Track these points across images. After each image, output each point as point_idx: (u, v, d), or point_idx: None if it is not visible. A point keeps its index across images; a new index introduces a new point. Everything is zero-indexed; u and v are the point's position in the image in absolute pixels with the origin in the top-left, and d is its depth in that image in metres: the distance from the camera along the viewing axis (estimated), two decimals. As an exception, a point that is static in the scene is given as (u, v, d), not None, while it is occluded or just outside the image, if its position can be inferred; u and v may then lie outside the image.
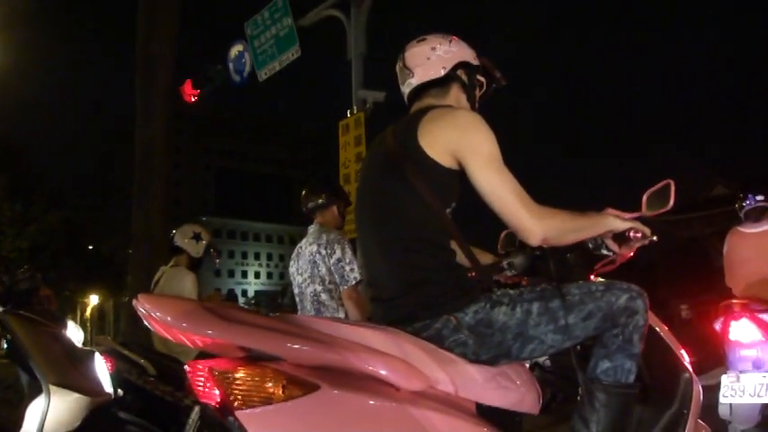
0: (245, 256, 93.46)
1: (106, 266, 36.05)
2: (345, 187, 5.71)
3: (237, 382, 1.52)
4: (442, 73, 2.23)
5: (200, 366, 1.61)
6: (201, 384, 1.62)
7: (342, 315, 3.87)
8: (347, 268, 3.88)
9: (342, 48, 8.02)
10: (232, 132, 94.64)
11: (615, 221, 2.11)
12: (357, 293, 3.89)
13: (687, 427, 2.20)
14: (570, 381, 2.41)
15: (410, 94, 2.29)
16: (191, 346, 1.64)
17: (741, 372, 3.92)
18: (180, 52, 9.50)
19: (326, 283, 3.95)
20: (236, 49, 9.52)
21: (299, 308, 4.15)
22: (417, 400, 1.66)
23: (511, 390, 1.94)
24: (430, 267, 1.98)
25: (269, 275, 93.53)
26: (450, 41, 2.26)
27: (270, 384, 1.51)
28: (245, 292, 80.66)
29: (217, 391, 1.55)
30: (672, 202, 2.26)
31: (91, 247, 36.45)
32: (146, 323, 1.60)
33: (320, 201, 4.20)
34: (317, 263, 3.95)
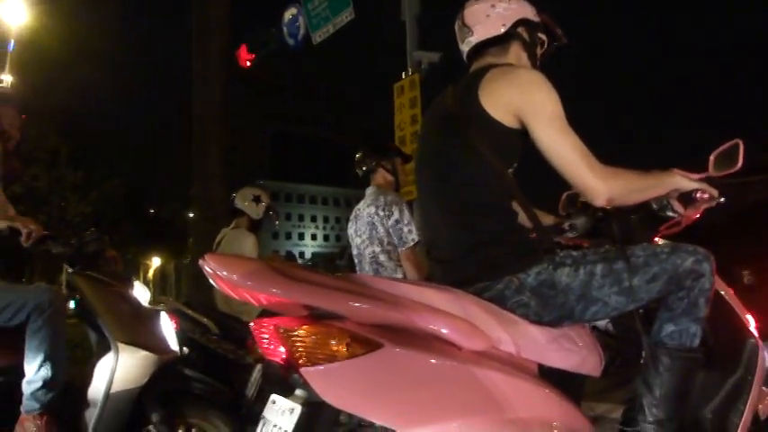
0: (301, 218, 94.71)
1: (167, 229, 37.04)
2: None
3: (302, 339, 1.55)
4: (502, 30, 2.18)
5: (266, 324, 1.64)
6: (267, 342, 1.66)
7: (399, 276, 3.89)
8: (405, 230, 3.89)
9: (396, 9, 7.93)
10: (287, 96, 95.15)
11: (682, 181, 2.06)
12: (415, 255, 3.90)
13: (751, 393, 2.16)
14: (630, 344, 2.37)
15: (470, 53, 2.26)
16: (255, 304, 1.66)
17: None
18: (235, 17, 9.50)
19: (384, 244, 3.96)
20: (289, 13, 9.48)
21: (357, 269, 4.18)
22: (480, 359, 1.66)
23: (573, 351, 1.92)
24: (491, 229, 1.97)
25: (325, 237, 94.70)
26: None
27: (334, 342, 1.54)
28: (302, 254, 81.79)
29: (282, 349, 1.58)
30: (741, 162, 2.17)
31: (152, 211, 37.46)
32: (212, 282, 1.63)
33: (367, 166, 4.21)
34: (375, 224, 3.97)
